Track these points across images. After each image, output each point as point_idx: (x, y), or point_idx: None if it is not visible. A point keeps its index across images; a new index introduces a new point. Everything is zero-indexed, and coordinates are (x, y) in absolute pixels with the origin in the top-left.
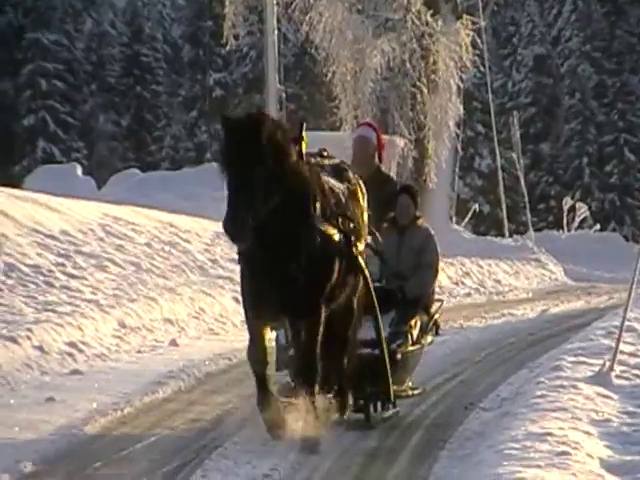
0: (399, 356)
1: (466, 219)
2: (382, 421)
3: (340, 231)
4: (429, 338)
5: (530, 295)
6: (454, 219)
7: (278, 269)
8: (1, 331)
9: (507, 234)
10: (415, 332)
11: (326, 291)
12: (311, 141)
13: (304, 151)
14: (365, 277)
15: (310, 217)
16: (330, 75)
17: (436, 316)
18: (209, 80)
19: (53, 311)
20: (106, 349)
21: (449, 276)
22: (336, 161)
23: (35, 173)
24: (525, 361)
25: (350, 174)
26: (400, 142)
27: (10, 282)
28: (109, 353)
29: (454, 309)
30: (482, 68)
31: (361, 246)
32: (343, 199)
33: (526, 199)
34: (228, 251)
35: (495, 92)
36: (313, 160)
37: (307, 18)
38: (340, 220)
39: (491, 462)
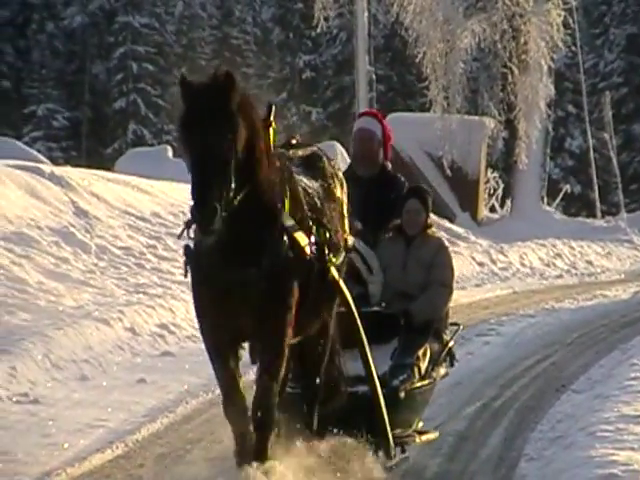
0: (402, 394)
1: (557, 200)
2: (385, 471)
3: (313, 242)
4: (442, 371)
5: (622, 277)
6: (545, 200)
7: (235, 276)
8: (93, 313)
9: (599, 215)
10: (424, 364)
11: (291, 310)
12: (401, 123)
13: (272, 140)
14: (344, 298)
15: (279, 218)
16: (420, 56)
17: (451, 344)
18: (299, 62)
19: (144, 293)
20: (197, 331)
21: (540, 257)
22: (309, 151)
23: (126, 156)
24: (617, 343)
25: (326, 165)
26: (490, 123)
27: (102, 264)
28: (200, 335)
29: (545, 291)
30: (573, 48)
31: (338, 259)
32: (318, 202)
33: (618, 180)
34: None
35: (586, 72)
36: (282, 152)
37: None
38: (314, 228)
39: (583, 444)
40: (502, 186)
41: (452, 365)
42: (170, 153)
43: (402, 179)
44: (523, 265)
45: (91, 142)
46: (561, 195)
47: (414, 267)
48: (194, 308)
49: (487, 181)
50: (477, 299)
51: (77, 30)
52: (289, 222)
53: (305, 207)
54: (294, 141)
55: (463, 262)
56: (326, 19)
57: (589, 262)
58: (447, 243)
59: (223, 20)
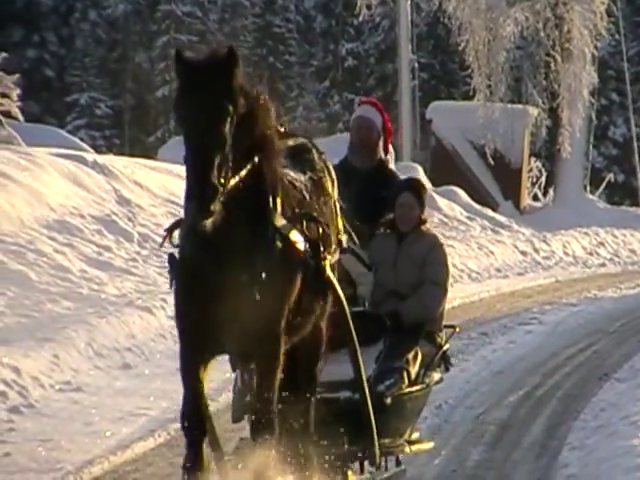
0: (389, 400)
1: (600, 189)
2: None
3: (305, 238)
4: (436, 376)
5: None
6: (588, 189)
7: (223, 280)
8: (136, 301)
9: None
10: (414, 369)
11: (285, 315)
12: (443, 111)
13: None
14: (338, 297)
15: (272, 213)
16: (463, 44)
17: (445, 347)
18: (341, 50)
19: None
20: None
21: (583, 246)
22: (299, 141)
23: (169, 144)
24: None
25: (315, 157)
26: (534, 111)
27: (144, 253)
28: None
29: (588, 279)
30: (617, 36)
31: (333, 257)
32: (307, 196)
33: None
34: None
35: (630, 60)
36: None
37: None
38: (305, 224)
39: (625, 433)
40: (545, 174)
41: (447, 370)
42: None
43: (400, 178)
44: (566, 254)
45: (134, 130)
46: (604, 184)
47: (406, 265)
48: (175, 315)
49: (530, 169)
50: (519, 288)
51: (120, 18)
52: (281, 220)
53: (293, 202)
54: (282, 129)
55: (505, 251)
56: (369, 7)
57: (632, 250)
58: (442, 239)
59: (266, 8)
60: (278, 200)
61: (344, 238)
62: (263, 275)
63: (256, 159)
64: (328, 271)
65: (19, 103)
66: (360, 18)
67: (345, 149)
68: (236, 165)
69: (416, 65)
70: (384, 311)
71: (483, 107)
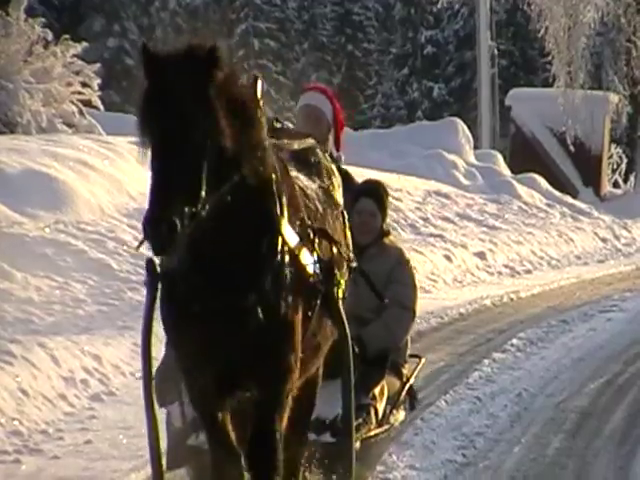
0: (358, 445)
1: None
2: None
3: (317, 259)
4: (400, 415)
5: None
6: None
7: (224, 303)
8: None
9: None
10: (381, 405)
11: (298, 347)
12: (523, 98)
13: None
14: (344, 331)
15: (278, 225)
16: (543, 31)
17: (411, 380)
18: (420, 38)
19: None
20: None
21: None
22: (308, 143)
23: None
24: None
25: (322, 160)
26: (614, 98)
27: None
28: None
29: None
30: None
31: (344, 280)
32: (320, 207)
33: None
34: (440, 210)
35: None
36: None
37: None
38: (317, 241)
39: None
40: (626, 161)
41: (413, 407)
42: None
43: (355, 180)
44: None
45: None
46: None
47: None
48: (172, 346)
49: (610, 156)
50: (600, 275)
51: (199, 7)
52: (289, 233)
53: (304, 214)
54: (278, 125)
55: (586, 238)
56: None
57: None
58: (407, 255)
59: None
60: (284, 206)
61: (352, 256)
62: (271, 294)
63: (246, 169)
64: (339, 300)
65: (100, 92)
66: (439, 5)
67: (424, 137)
68: (219, 179)
69: (495, 52)
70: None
71: (563, 94)
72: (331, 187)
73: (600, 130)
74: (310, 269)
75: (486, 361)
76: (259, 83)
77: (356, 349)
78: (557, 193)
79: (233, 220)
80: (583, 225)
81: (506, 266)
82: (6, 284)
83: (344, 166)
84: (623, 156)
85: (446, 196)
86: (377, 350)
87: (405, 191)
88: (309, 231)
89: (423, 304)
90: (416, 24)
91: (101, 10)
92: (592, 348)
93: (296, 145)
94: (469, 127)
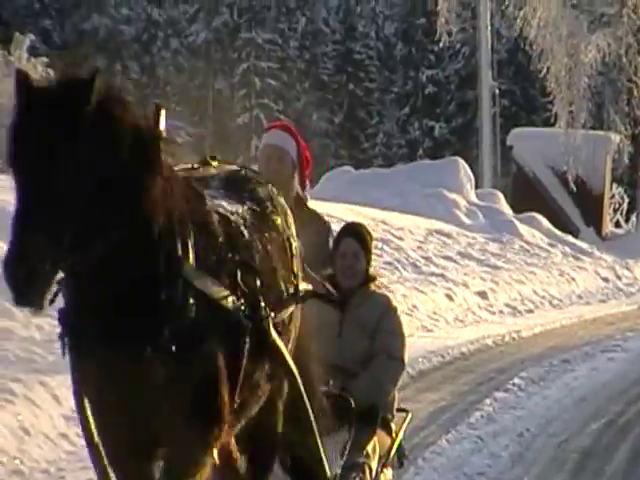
0: None
1: None
2: None
3: (239, 293)
4: (389, 473)
5: None
6: None
7: (119, 361)
8: None
9: None
10: (374, 463)
11: (218, 398)
12: (524, 137)
13: (161, 156)
14: (287, 368)
15: (179, 267)
16: (544, 71)
17: (400, 436)
18: (422, 77)
19: None
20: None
21: None
22: (233, 168)
23: None
24: None
25: (257, 186)
26: (616, 138)
27: None
28: None
29: None
30: None
31: (282, 312)
32: (245, 232)
33: None
34: (441, 249)
35: None
36: (186, 172)
37: (521, 14)
38: (239, 273)
39: None
40: (627, 201)
41: (401, 465)
42: None
43: (324, 218)
44: None
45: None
46: None
47: (353, 333)
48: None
49: (612, 196)
50: (602, 315)
51: (201, 46)
52: (197, 273)
53: (222, 243)
54: (215, 163)
55: (587, 277)
56: (449, 34)
57: None
58: (394, 303)
59: (346, 35)
60: (190, 242)
61: (303, 285)
62: (172, 345)
63: (138, 211)
64: (273, 334)
65: None
66: (440, 45)
67: (425, 176)
68: (104, 223)
69: (497, 92)
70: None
71: (565, 134)
72: (269, 210)
73: (602, 170)
74: (229, 305)
75: (488, 400)
76: (162, 114)
77: (352, 403)
78: (559, 232)
79: (128, 265)
80: (585, 265)
81: (508, 305)
82: (7, 322)
83: (312, 205)
84: (625, 196)
85: (447, 235)
86: (365, 405)
87: (406, 230)
88: (228, 264)
89: (424, 343)
90: (417, 63)
91: (103, 49)
92: (594, 388)
93: (213, 170)
94: (470, 166)
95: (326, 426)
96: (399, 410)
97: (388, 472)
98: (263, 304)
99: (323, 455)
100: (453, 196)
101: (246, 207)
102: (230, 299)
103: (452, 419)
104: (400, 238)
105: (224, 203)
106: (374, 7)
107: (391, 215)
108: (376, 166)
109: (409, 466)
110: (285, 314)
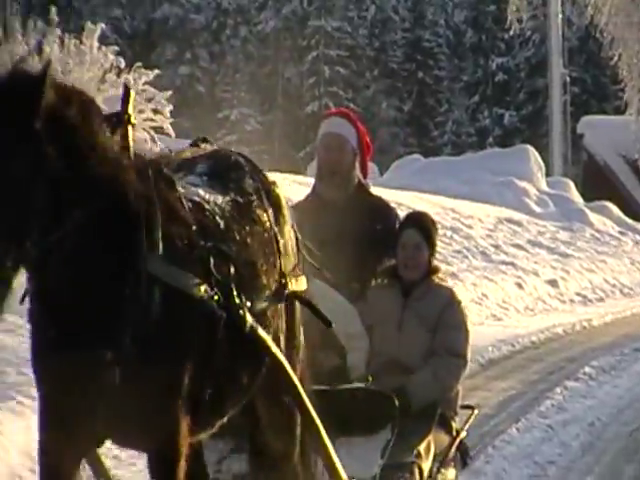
0: None
1: None
2: None
3: (212, 281)
4: (450, 473)
5: None
6: None
7: (80, 359)
8: None
9: None
10: (427, 464)
11: (177, 401)
12: (595, 126)
13: (131, 137)
14: (276, 360)
15: (141, 256)
16: (616, 58)
17: (462, 434)
18: (491, 65)
19: None
20: None
21: None
22: (224, 153)
23: None
24: None
25: (244, 175)
26: None
27: None
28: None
29: None
30: None
31: (259, 304)
32: (221, 222)
33: None
34: (511, 237)
35: None
36: (167, 156)
37: (592, 1)
38: (212, 260)
39: None
40: None
41: (465, 464)
42: None
43: (390, 204)
44: None
45: (283, 146)
46: None
47: (413, 327)
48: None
49: None
50: None
51: (270, 34)
52: (164, 261)
53: (194, 231)
54: (203, 145)
55: None
56: (519, 21)
57: None
58: (459, 296)
59: (415, 23)
60: (158, 232)
61: (296, 282)
62: (134, 347)
63: (94, 201)
64: (250, 322)
65: (171, 119)
66: (510, 32)
67: (495, 164)
68: (58, 216)
69: (567, 79)
70: (386, 387)
71: (636, 121)
72: (254, 204)
73: None
74: (201, 294)
75: (558, 389)
76: (131, 97)
77: (395, 401)
78: (629, 221)
79: (87, 261)
80: None
81: (578, 294)
82: None
83: (376, 192)
84: None
85: (518, 223)
86: (423, 402)
87: (476, 218)
88: (200, 251)
89: (494, 332)
90: (487, 51)
91: (173, 37)
92: None
93: (189, 153)
94: (540, 154)
95: (365, 426)
96: (464, 407)
97: (449, 472)
98: (236, 292)
99: (334, 455)
100: (523, 184)
101: (228, 198)
102: (202, 288)
103: (522, 408)
104: (470, 226)
105: (201, 191)
106: None
107: (461, 203)
108: (445, 154)
109: (479, 454)
110: (262, 305)
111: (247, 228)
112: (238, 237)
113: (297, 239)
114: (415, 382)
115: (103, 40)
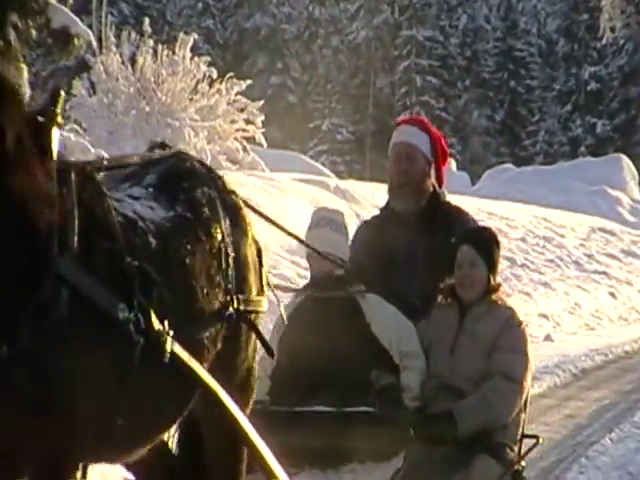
0: None
1: None
2: None
3: (135, 304)
4: None
5: None
6: None
7: None
8: None
9: None
10: None
11: (70, 414)
12: None
13: (53, 141)
14: (207, 388)
15: (53, 261)
16: None
17: (522, 464)
18: (584, 74)
19: None
20: None
21: None
22: (178, 160)
23: None
24: None
25: (202, 185)
26: None
27: None
28: None
29: None
30: None
31: (194, 329)
32: (152, 241)
33: None
34: (604, 246)
35: None
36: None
37: None
38: (137, 282)
39: None
40: None
41: None
42: (454, 166)
43: (466, 213)
44: None
45: (375, 155)
46: None
47: (467, 349)
48: None
49: None
50: None
51: (362, 44)
52: (71, 269)
53: (121, 248)
54: (156, 150)
55: None
56: (612, 30)
57: None
58: (519, 316)
59: (507, 32)
60: (74, 238)
61: (249, 303)
62: (31, 348)
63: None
64: (173, 350)
65: (263, 129)
66: (603, 41)
67: (588, 173)
68: None
69: None
70: (435, 411)
71: None
72: (206, 217)
73: None
74: (118, 315)
75: None
76: (60, 98)
77: (411, 430)
78: None
79: None
80: None
81: None
82: None
83: (451, 201)
84: None
85: (611, 232)
86: (471, 428)
87: (569, 227)
88: (125, 271)
89: (587, 341)
90: (579, 60)
91: (264, 47)
92: None
93: (137, 158)
94: (634, 163)
95: (374, 453)
96: (527, 436)
97: None
98: (158, 318)
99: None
100: (616, 193)
101: (172, 213)
102: (120, 306)
103: (616, 418)
104: (562, 235)
105: (138, 206)
106: (536, 4)
107: (553, 212)
108: (537, 163)
109: (572, 464)
110: (196, 330)
111: (188, 246)
112: (174, 257)
113: (260, 253)
114: (463, 406)
115: (195, 50)
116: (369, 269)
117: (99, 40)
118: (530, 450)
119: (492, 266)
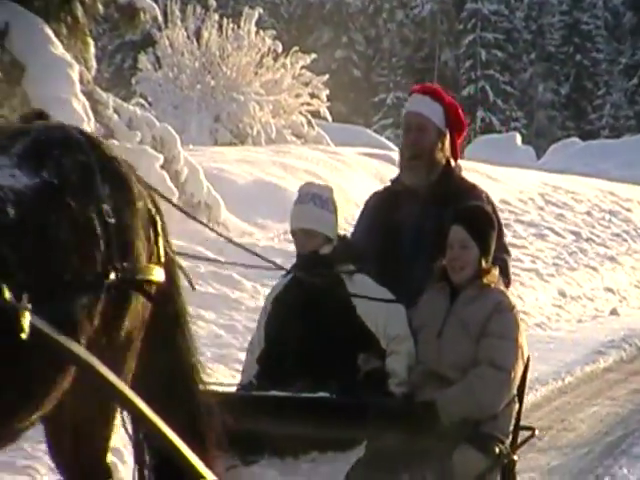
0: None
1: None
2: None
3: None
4: None
5: None
6: None
7: None
8: None
9: None
10: None
11: None
12: None
13: None
14: (89, 368)
15: None
16: None
17: (512, 458)
18: None
19: None
20: (546, 318)
21: None
22: (51, 129)
23: (475, 142)
24: None
25: (74, 153)
26: None
27: None
28: (549, 322)
29: None
30: None
31: (64, 302)
32: (11, 212)
33: None
34: None
35: None
36: None
37: None
38: None
39: None
40: None
41: None
42: (519, 140)
43: (479, 188)
44: None
45: None
46: None
47: (455, 335)
48: None
49: None
50: None
51: (426, 18)
52: None
53: None
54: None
55: None
56: None
57: None
58: (511, 301)
59: (573, 5)
60: None
61: (146, 271)
62: None
63: None
64: (33, 326)
65: (327, 103)
66: None
67: None
68: None
69: None
70: (419, 400)
71: None
72: (71, 184)
73: None
74: None
75: None
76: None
77: (375, 419)
78: None
79: None
80: None
81: None
82: (237, 294)
83: (466, 177)
84: None
85: None
86: (454, 419)
87: (635, 201)
88: None
89: None
90: None
91: (329, 21)
92: None
93: (28, 131)
94: None
95: (336, 441)
96: (523, 428)
97: None
98: (13, 293)
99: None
100: None
101: (37, 180)
102: None
103: None
104: (628, 209)
105: None
106: None
107: (619, 186)
108: (603, 137)
109: (639, 439)
110: (66, 303)
111: (52, 215)
112: (34, 226)
113: (154, 221)
114: (446, 395)
115: (260, 24)
116: (370, 245)
117: (164, 14)
118: (523, 443)
119: (485, 248)
